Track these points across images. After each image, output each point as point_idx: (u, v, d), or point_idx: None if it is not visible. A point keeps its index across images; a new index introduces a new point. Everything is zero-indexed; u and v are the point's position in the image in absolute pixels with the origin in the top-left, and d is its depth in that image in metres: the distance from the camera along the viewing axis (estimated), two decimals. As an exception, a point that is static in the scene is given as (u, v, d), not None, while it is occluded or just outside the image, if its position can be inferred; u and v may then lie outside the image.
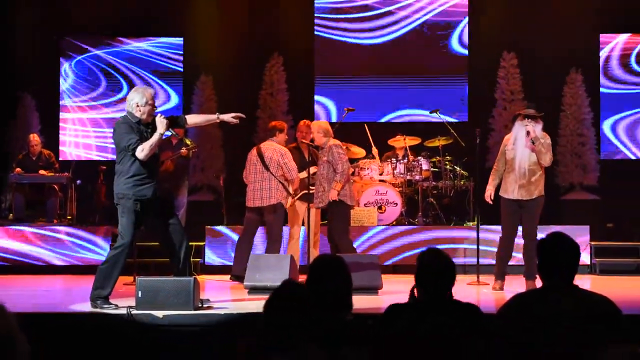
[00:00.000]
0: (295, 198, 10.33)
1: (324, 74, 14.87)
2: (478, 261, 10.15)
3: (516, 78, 14.34)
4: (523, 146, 9.22)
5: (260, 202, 10.09)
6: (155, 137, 7.69)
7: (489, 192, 9.47)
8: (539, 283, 4.30)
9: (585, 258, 11.23)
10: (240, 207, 10.63)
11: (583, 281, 10.11)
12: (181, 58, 14.86)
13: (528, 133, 9.17)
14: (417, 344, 4.06)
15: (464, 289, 9.10)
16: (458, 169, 12.60)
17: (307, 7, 14.88)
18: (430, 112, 13.07)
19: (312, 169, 10.03)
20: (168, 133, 8.10)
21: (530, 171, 9.23)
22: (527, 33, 14.32)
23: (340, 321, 4.07)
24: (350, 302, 4.27)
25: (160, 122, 7.71)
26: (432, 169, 12.55)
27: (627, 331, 4.02)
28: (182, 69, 14.87)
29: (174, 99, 14.83)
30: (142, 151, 7.64)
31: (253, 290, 8.80)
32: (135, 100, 7.78)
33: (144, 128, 7.79)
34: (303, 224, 10.41)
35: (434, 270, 4.23)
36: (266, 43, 14.55)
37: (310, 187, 9.93)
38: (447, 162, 12.58)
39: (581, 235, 11.28)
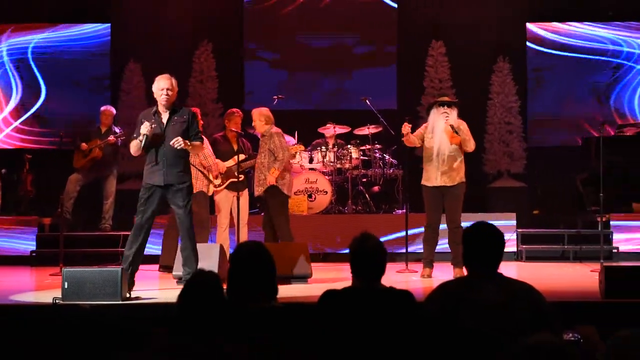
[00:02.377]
0: (223, 187, 10.24)
1: (255, 53, 14.84)
2: (407, 248, 10.23)
3: (444, 66, 14.43)
4: (441, 133, 9.31)
5: (187, 191, 10.01)
6: (135, 141, 8.03)
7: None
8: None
9: (511, 245, 11.38)
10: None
11: (509, 268, 10.26)
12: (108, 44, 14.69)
13: (451, 126, 9.24)
14: (352, 330, 4.07)
15: (393, 277, 9.17)
16: (387, 157, 12.66)
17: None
18: (361, 99, 13.09)
19: (241, 157, 9.97)
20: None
21: (450, 157, 9.32)
22: (455, 21, 14.42)
23: (265, 309, 4.05)
24: (276, 287, 4.25)
25: (144, 126, 7.94)
26: (361, 157, 12.59)
27: (551, 318, 4.07)
28: (109, 56, 14.69)
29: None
30: (131, 149, 8.19)
31: (182, 280, 8.73)
32: (153, 89, 8.19)
33: (157, 118, 8.03)
34: (231, 213, 10.35)
35: (365, 254, 4.25)
36: (195, 29, 14.42)
37: (240, 176, 9.88)
38: (376, 151, 12.64)
39: (508, 222, 11.45)
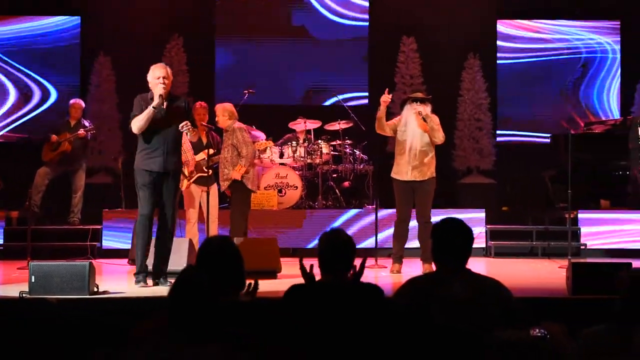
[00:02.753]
0: (191, 181, 10.21)
1: (225, 47, 14.81)
2: (376, 244, 10.26)
3: (416, 62, 14.46)
4: (414, 128, 9.34)
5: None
6: (145, 111, 7.85)
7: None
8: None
9: (480, 241, 11.44)
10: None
11: (478, 264, 10.30)
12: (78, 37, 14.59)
13: (419, 113, 9.29)
14: (319, 325, 4.07)
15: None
16: (358, 152, 12.67)
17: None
18: (332, 95, 13.09)
19: (210, 151, 9.94)
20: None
21: (422, 152, 9.35)
22: (427, 18, 14.46)
23: (233, 303, 4.04)
24: (243, 281, 4.25)
25: (156, 95, 7.87)
26: (332, 152, 12.59)
27: (518, 314, 4.10)
28: (79, 49, 14.59)
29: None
30: (133, 125, 7.93)
31: (161, 278, 8.67)
32: (148, 78, 8.06)
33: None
34: (200, 207, 10.32)
35: (335, 249, 4.26)
36: (166, 23, 14.34)
37: (209, 171, 9.86)
38: (347, 146, 12.64)
39: (477, 218, 11.51)
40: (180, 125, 7.89)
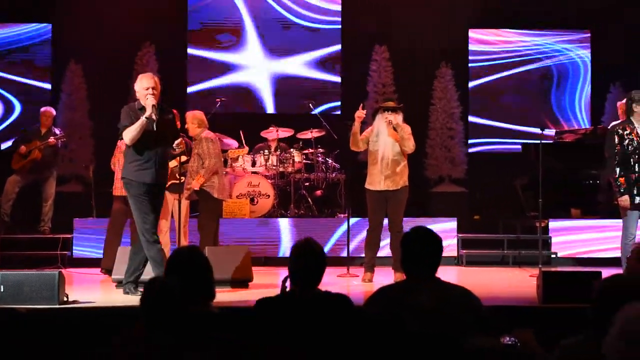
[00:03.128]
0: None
1: (198, 55, 14.78)
2: (348, 253, 10.25)
3: (388, 71, 14.50)
4: (385, 138, 9.36)
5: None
6: (138, 121, 7.74)
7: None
8: (407, 274, 4.36)
9: (452, 250, 11.46)
10: (110, 198, 10.42)
11: (450, 273, 10.32)
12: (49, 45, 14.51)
13: (390, 122, 9.31)
14: (287, 337, 4.06)
15: (334, 281, 9.17)
16: (330, 161, 12.68)
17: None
18: (305, 103, 13.10)
19: (183, 159, 9.91)
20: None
21: (394, 162, 9.37)
22: (399, 27, 14.52)
23: (201, 314, 4.03)
24: (212, 292, 4.23)
25: (148, 106, 7.77)
26: (304, 161, 12.59)
27: (487, 322, 4.10)
28: (50, 56, 14.51)
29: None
30: (126, 136, 7.79)
31: (122, 283, 8.63)
32: (135, 87, 7.98)
33: (143, 114, 7.81)
34: (172, 216, 10.28)
35: (306, 260, 4.25)
36: (138, 31, 14.29)
37: (181, 178, 9.82)
38: (319, 154, 12.64)
39: (449, 227, 11.54)
40: (175, 143, 7.96)
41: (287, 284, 4.42)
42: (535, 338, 4.09)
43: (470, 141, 14.69)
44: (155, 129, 7.82)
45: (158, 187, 7.99)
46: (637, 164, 8.49)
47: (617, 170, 8.56)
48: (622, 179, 8.53)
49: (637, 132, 8.54)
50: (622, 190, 8.55)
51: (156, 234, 7.97)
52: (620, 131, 8.62)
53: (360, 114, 9.39)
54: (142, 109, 7.87)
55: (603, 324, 3.66)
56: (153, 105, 7.78)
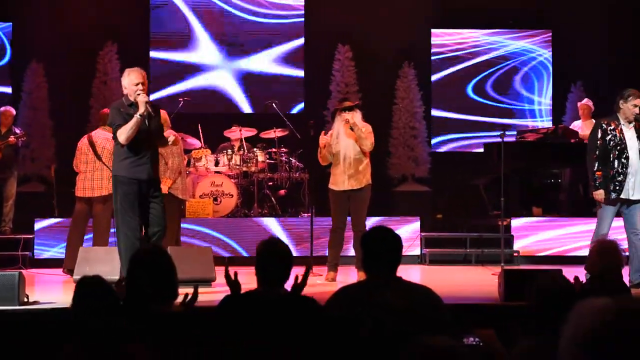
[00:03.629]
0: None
1: (160, 55, 14.72)
2: (312, 252, 10.25)
3: (351, 71, 14.53)
4: (346, 138, 9.38)
5: (91, 192, 9.86)
6: (133, 120, 7.60)
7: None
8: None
9: (415, 249, 11.50)
10: (72, 198, 10.35)
11: (413, 271, 10.35)
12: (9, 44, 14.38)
13: (347, 121, 9.33)
14: (251, 336, 4.05)
15: (297, 280, 9.16)
16: (294, 160, 12.68)
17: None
18: (267, 103, 13.09)
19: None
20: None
21: (356, 161, 9.39)
22: (362, 26, 14.55)
23: (165, 313, 4.01)
24: (176, 291, 4.22)
25: (141, 103, 7.63)
26: (268, 160, 12.57)
27: (448, 321, 4.12)
28: (10, 55, 14.38)
29: None
30: (121, 135, 7.64)
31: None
32: (123, 83, 7.80)
33: (134, 110, 7.67)
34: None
35: (271, 260, 4.25)
36: (100, 30, 14.21)
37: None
38: (282, 154, 12.64)
39: (412, 226, 11.57)
40: (171, 141, 7.94)
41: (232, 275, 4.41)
42: (495, 336, 4.11)
43: (433, 140, 14.76)
44: (146, 121, 7.72)
45: (153, 183, 7.89)
46: (616, 160, 8.49)
47: (596, 164, 8.57)
48: (599, 173, 8.53)
49: (621, 129, 8.56)
50: (597, 184, 8.57)
51: (139, 230, 7.80)
52: (605, 126, 8.60)
53: (324, 140, 9.42)
54: (132, 104, 7.73)
55: (545, 323, 3.69)
56: (146, 102, 7.66)
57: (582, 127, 12.49)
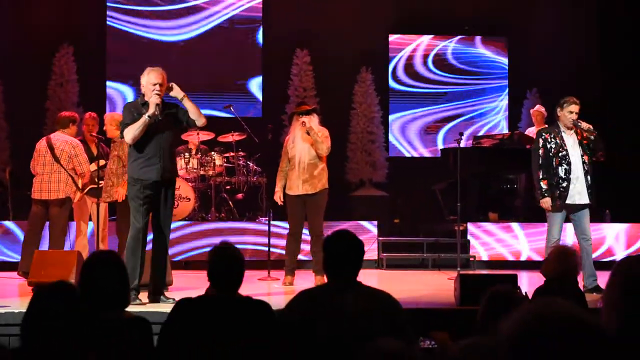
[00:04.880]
0: (83, 192, 10.06)
1: (117, 62, 14.64)
2: (269, 256, 10.25)
3: (309, 75, 14.56)
4: (301, 142, 9.40)
5: (48, 195, 9.77)
6: (140, 120, 7.50)
7: (278, 195, 9.57)
8: (328, 278, 4.38)
9: (373, 253, 11.55)
10: (28, 200, 10.25)
11: (370, 276, 10.39)
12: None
13: (303, 124, 9.35)
14: (206, 340, 4.04)
15: (254, 284, 9.16)
16: (251, 164, 12.66)
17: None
18: (224, 107, 13.06)
19: (101, 163, 9.82)
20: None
21: (311, 165, 9.41)
22: (320, 31, 14.58)
23: (116, 320, 3.98)
24: (127, 299, 4.19)
25: (152, 104, 7.51)
26: (225, 164, 12.54)
27: (407, 326, 4.15)
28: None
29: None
30: (127, 135, 7.55)
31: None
32: (142, 81, 7.68)
33: (146, 110, 7.57)
34: (90, 219, 10.16)
35: (226, 264, 4.24)
36: (56, 32, 14.10)
37: (100, 182, 9.72)
38: (240, 158, 12.61)
39: (370, 230, 11.62)
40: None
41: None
42: (449, 339, 4.14)
43: (390, 145, 14.83)
44: (159, 123, 7.60)
45: (164, 184, 7.69)
46: (559, 167, 8.67)
47: (540, 173, 8.74)
48: (544, 182, 8.71)
49: (561, 137, 8.73)
50: (543, 193, 8.72)
51: (144, 232, 7.68)
52: (545, 135, 8.82)
53: (279, 201, 9.55)
54: (145, 104, 7.63)
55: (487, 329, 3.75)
56: (157, 104, 7.55)
57: (536, 133, 12.62)
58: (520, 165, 12.59)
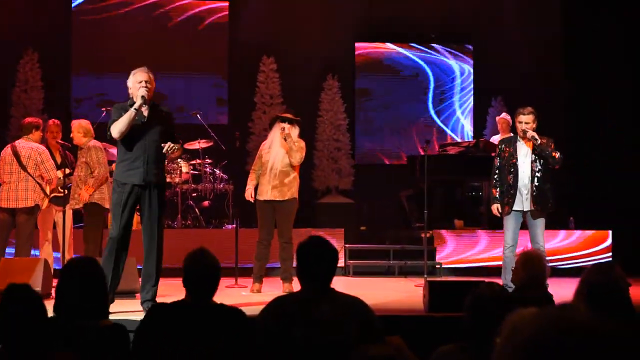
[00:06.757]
0: (49, 197, 9.98)
1: (83, 68, 14.55)
2: (237, 263, 10.23)
3: (275, 82, 14.57)
4: (277, 147, 9.41)
5: (15, 203, 9.65)
6: (127, 113, 7.38)
7: (249, 191, 9.55)
8: (295, 285, 4.39)
9: (340, 261, 11.54)
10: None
11: (338, 283, 10.33)
12: None
13: (283, 129, 9.35)
14: (178, 347, 4.03)
15: (222, 292, 9.11)
16: (218, 172, 12.63)
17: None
18: (192, 114, 13.03)
19: (67, 171, 9.76)
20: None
21: (282, 172, 9.42)
22: (286, 38, 14.60)
23: (94, 328, 3.95)
24: (107, 307, 4.17)
25: (138, 96, 7.43)
26: (192, 171, 12.50)
27: (380, 331, 4.16)
28: None
29: None
30: (113, 129, 7.41)
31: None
32: (128, 84, 7.60)
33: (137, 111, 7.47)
34: (55, 227, 10.08)
35: (201, 270, 4.23)
36: (20, 38, 13.98)
37: (62, 190, 9.66)
38: (207, 165, 12.58)
39: (336, 238, 11.63)
40: (165, 149, 7.44)
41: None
42: (403, 342, 4.14)
43: (356, 153, 14.87)
44: (145, 123, 7.52)
45: (148, 188, 7.54)
46: (510, 175, 8.82)
47: (494, 181, 8.95)
48: (494, 190, 8.93)
49: (515, 146, 8.88)
50: (493, 200, 8.98)
51: (118, 242, 7.51)
52: (503, 145, 9.02)
53: (250, 198, 9.54)
54: (134, 104, 7.53)
55: (478, 333, 3.75)
56: (142, 97, 7.44)
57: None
58: (485, 173, 12.66)
